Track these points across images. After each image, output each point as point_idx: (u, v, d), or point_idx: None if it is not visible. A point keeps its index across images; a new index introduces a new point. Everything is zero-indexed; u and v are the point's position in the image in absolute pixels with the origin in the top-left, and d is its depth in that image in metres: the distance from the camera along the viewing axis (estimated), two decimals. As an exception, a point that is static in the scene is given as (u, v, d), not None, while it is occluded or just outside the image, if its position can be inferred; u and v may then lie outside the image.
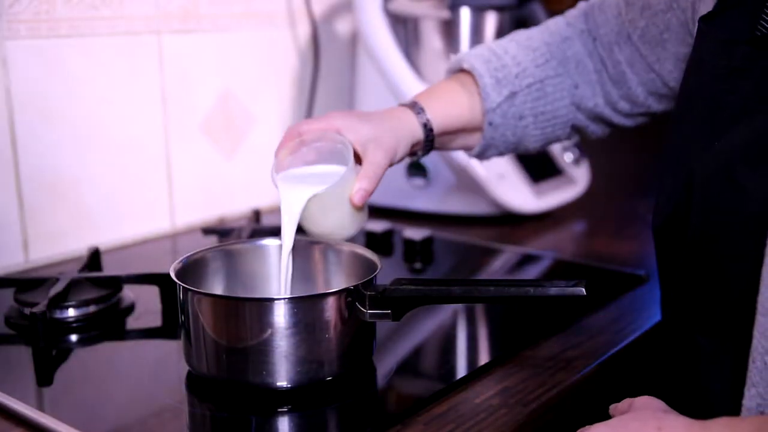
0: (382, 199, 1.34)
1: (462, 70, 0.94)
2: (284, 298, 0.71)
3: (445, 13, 1.27)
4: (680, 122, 0.75)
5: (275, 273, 0.83)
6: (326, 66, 1.44)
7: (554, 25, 0.95)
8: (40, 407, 0.72)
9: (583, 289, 0.73)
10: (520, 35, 0.95)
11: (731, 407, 0.64)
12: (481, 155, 0.95)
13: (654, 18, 0.87)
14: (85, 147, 1.13)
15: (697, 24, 0.81)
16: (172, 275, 0.74)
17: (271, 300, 0.72)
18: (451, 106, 0.90)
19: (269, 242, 0.84)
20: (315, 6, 1.40)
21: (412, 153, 0.88)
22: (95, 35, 1.12)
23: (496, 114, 0.91)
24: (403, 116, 0.87)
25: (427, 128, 0.87)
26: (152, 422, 0.71)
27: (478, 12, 1.28)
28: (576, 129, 0.96)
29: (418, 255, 1.13)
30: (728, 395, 0.65)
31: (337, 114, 0.83)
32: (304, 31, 1.41)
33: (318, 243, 0.84)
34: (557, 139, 0.96)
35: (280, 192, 0.79)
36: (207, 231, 1.13)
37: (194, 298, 0.72)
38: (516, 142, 0.94)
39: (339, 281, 0.83)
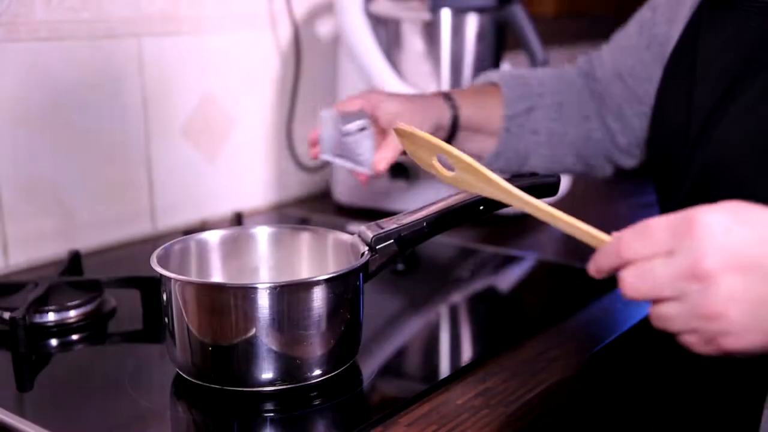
0: (364, 200, 1.35)
1: (489, 84, 1.02)
2: (269, 284, 0.70)
3: (426, 15, 1.28)
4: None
5: (260, 262, 0.85)
6: (308, 68, 1.44)
7: (567, 68, 1.06)
8: (21, 413, 0.71)
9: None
10: (544, 69, 1.07)
11: (725, 411, 0.64)
12: (491, 163, 1.00)
13: (639, 55, 0.95)
14: (64, 150, 1.12)
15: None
16: (154, 262, 0.74)
17: (255, 287, 0.70)
18: (477, 105, 0.97)
19: (257, 230, 0.85)
20: (296, 8, 1.40)
21: None
22: (75, 38, 1.11)
23: (514, 123, 0.98)
24: (433, 100, 0.93)
25: (455, 116, 0.94)
26: (135, 427, 0.70)
27: (458, 13, 1.28)
28: (583, 162, 1.03)
29: (400, 256, 1.13)
30: (723, 399, 0.65)
31: (373, 91, 0.92)
32: (285, 33, 1.40)
33: (303, 230, 0.85)
34: (563, 166, 1.02)
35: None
36: (188, 234, 1.13)
37: (176, 286, 0.72)
38: (525, 156, 1.00)
39: (325, 269, 0.83)
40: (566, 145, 1.00)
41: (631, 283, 0.51)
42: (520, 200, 0.60)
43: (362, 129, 0.83)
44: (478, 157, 0.99)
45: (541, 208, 0.59)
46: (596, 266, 0.54)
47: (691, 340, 0.51)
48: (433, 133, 0.91)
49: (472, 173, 0.63)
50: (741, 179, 0.67)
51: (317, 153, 0.91)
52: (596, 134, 1.01)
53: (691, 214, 0.50)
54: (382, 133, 0.90)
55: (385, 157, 0.85)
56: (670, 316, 0.51)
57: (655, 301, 0.51)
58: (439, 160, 0.66)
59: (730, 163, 0.68)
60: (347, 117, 0.87)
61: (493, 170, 0.98)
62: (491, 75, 1.03)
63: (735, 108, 0.69)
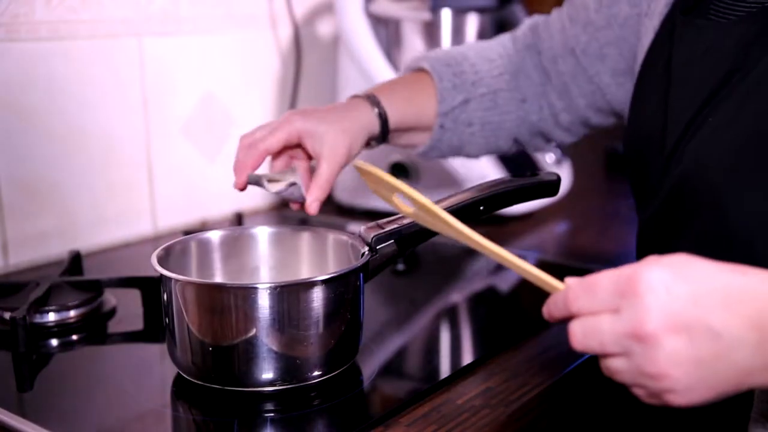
0: (364, 200, 1.35)
1: (420, 70, 0.96)
2: (270, 284, 0.70)
3: (426, 15, 1.28)
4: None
5: (261, 262, 0.85)
6: (308, 68, 1.44)
7: (506, 40, 0.99)
8: (21, 413, 0.71)
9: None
10: (478, 45, 0.99)
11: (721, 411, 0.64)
12: (424, 155, 0.97)
13: (595, 33, 0.91)
14: (65, 150, 1.12)
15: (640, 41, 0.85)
16: (154, 262, 0.74)
17: (255, 287, 0.70)
18: (408, 104, 0.92)
19: (258, 230, 0.86)
20: (296, 8, 1.40)
21: (366, 144, 0.89)
22: (75, 38, 1.11)
23: (448, 118, 0.93)
24: (360, 111, 0.88)
25: (383, 121, 0.89)
26: (135, 427, 0.70)
27: (459, 13, 1.28)
28: (518, 143, 1.00)
29: (401, 256, 1.13)
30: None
31: (297, 119, 0.83)
32: (285, 33, 1.40)
33: (303, 230, 0.86)
34: (498, 150, 0.99)
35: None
36: (189, 234, 1.13)
37: (176, 286, 0.72)
38: (459, 147, 0.96)
39: (325, 269, 0.83)
40: (502, 131, 0.97)
41: (578, 337, 0.52)
42: (477, 244, 0.61)
43: (291, 184, 0.82)
44: (411, 149, 0.97)
45: (498, 252, 0.60)
46: (548, 313, 0.56)
47: (638, 393, 0.52)
48: (367, 142, 0.88)
49: (429, 214, 0.64)
50: (717, 192, 0.66)
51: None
52: (533, 116, 0.96)
53: (634, 272, 0.51)
54: (309, 170, 0.85)
55: (316, 199, 0.81)
56: (617, 370, 0.52)
57: (603, 355, 0.52)
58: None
59: (706, 174, 0.67)
60: (275, 175, 0.84)
61: (428, 160, 0.98)
62: (421, 60, 0.96)
63: (714, 119, 0.68)
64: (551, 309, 0.55)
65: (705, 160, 0.68)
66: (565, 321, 0.54)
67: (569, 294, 0.53)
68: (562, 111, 0.95)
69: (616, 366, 0.52)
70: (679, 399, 0.50)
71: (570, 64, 0.93)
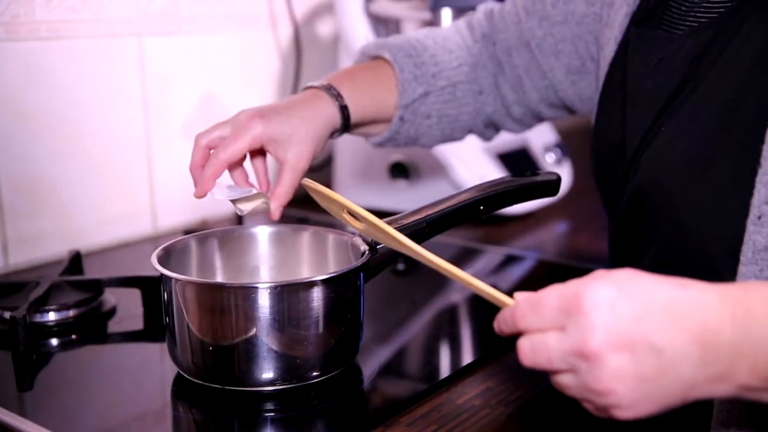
0: (365, 199, 1.35)
1: (379, 57, 0.93)
2: (270, 284, 0.70)
3: (426, 15, 1.28)
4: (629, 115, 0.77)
5: (261, 261, 0.85)
6: (308, 67, 1.44)
7: (463, 28, 0.98)
8: (21, 413, 0.71)
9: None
10: (436, 33, 0.97)
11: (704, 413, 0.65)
12: (379, 145, 0.96)
13: (551, 29, 0.90)
14: (65, 149, 1.12)
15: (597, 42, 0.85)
16: (154, 261, 0.74)
17: (255, 287, 0.70)
18: (370, 97, 0.90)
19: (258, 230, 0.86)
20: (296, 7, 1.40)
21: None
22: (75, 38, 1.11)
23: (408, 110, 0.92)
24: (322, 106, 0.85)
25: (346, 116, 0.87)
26: (135, 427, 0.70)
27: (459, 13, 1.28)
28: (471, 132, 0.99)
29: (401, 256, 1.13)
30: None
31: (257, 124, 0.79)
32: (285, 32, 1.40)
33: (303, 230, 0.86)
34: (452, 140, 0.99)
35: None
36: (189, 233, 1.13)
37: (176, 285, 0.72)
38: (415, 138, 0.96)
39: (325, 269, 0.83)
40: (458, 123, 0.96)
41: (527, 354, 0.53)
42: (426, 259, 0.62)
43: (260, 197, 0.82)
44: (366, 138, 0.96)
45: (448, 268, 0.60)
46: (498, 328, 0.56)
47: (587, 407, 0.53)
48: (329, 137, 0.87)
49: (377, 229, 0.64)
50: (672, 199, 0.67)
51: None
52: (488, 108, 0.96)
53: (579, 290, 0.51)
54: (266, 166, 0.85)
55: (279, 206, 0.80)
56: (565, 385, 0.53)
57: (552, 371, 0.53)
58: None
59: (661, 184, 0.68)
60: (244, 198, 0.83)
61: (381, 148, 0.98)
62: (381, 48, 0.93)
63: (667, 129, 0.69)
64: (501, 325, 0.56)
65: (659, 169, 0.68)
66: (514, 337, 0.55)
67: (517, 311, 0.54)
68: (514, 103, 0.95)
69: (565, 382, 0.52)
70: (624, 413, 0.51)
71: (524, 57, 0.93)
